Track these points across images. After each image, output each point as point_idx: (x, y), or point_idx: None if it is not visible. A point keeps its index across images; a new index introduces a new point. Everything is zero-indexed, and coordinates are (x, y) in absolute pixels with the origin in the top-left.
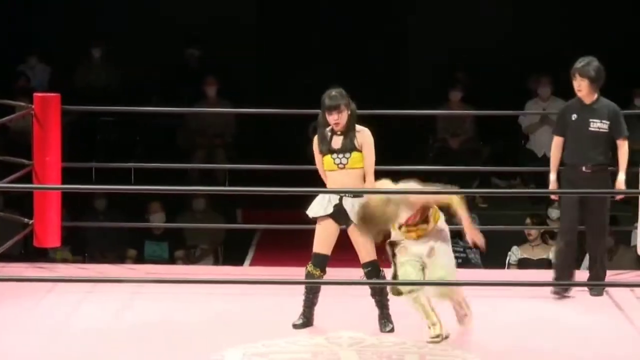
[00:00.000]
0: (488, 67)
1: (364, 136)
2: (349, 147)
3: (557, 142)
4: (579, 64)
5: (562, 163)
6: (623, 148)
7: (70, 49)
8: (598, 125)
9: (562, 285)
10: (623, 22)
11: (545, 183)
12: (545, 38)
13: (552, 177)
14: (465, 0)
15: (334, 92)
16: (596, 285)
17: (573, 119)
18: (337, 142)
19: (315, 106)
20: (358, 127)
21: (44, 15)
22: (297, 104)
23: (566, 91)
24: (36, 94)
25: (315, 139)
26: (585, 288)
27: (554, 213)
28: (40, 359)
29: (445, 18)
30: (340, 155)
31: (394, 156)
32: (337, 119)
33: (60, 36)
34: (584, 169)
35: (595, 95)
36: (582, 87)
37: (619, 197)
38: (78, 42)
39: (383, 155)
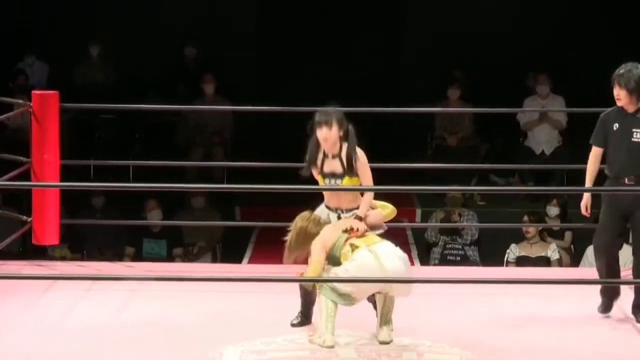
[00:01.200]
0: (486, 65)
1: (357, 159)
2: (339, 173)
3: (595, 152)
4: (620, 70)
5: (600, 175)
6: None
7: (69, 47)
8: None
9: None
10: (622, 20)
11: (543, 180)
12: (543, 35)
13: (587, 195)
14: (464, 3)
15: (328, 108)
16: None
17: (615, 128)
18: (329, 165)
19: (314, 104)
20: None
21: (43, 13)
22: (296, 101)
23: (567, 88)
24: (34, 92)
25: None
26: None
27: (552, 211)
28: (39, 357)
29: (444, 16)
30: (333, 181)
31: (392, 154)
32: (327, 134)
33: (59, 34)
34: (626, 181)
35: (638, 104)
36: (621, 97)
37: None
38: (76, 40)
39: (382, 153)
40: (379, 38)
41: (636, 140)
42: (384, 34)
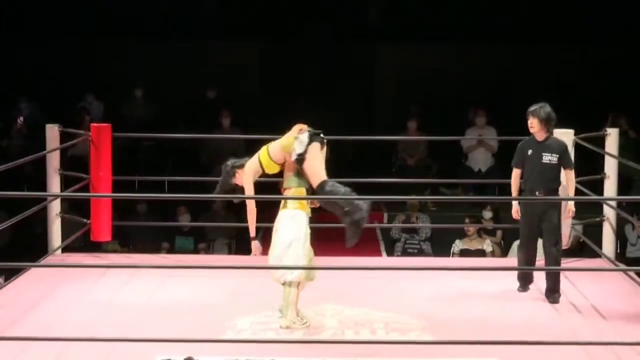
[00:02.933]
0: (437, 103)
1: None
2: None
3: (516, 173)
4: (533, 106)
5: (520, 190)
6: (570, 176)
7: (119, 90)
8: (549, 158)
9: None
10: (539, 69)
11: (480, 191)
12: (482, 80)
13: (515, 203)
14: (421, 56)
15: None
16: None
17: (529, 153)
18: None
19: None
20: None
21: (100, 66)
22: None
23: (498, 121)
24: (93, 125)
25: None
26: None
27: (487, 214)
28: (95, 327)
29: (405, 67)
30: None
31: (365, 171)
32: (239, 181)
33: (111, 80)
34: (537, 193)
35: (547, 134)
36: (533, 125)
37: (565, 216)
38: (125, 85)
39: (356, 170)
40: (355, 84)
41: (545, 162)
42: (359, 81)
